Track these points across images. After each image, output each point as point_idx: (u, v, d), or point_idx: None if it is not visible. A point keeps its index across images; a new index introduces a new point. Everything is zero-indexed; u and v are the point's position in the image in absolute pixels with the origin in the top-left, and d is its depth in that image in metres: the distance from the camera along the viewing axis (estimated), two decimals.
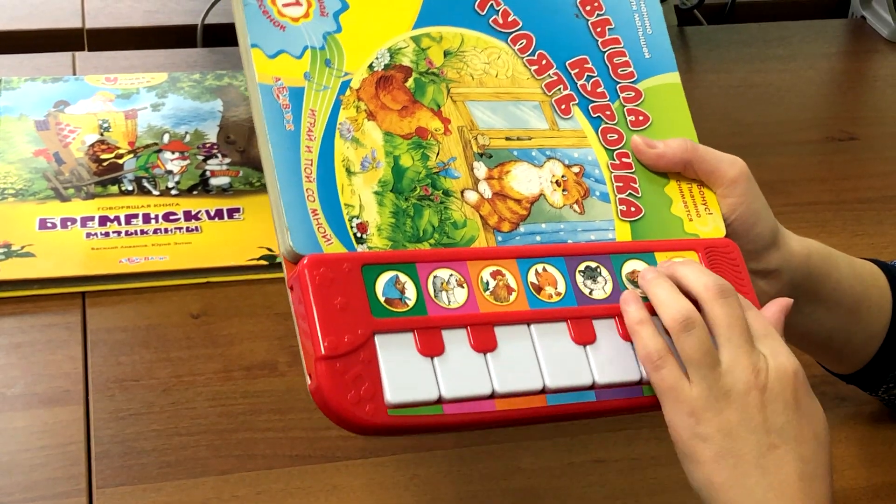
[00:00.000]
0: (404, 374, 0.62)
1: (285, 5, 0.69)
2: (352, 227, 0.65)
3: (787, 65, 1.43)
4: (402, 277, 0.64)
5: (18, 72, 1.21)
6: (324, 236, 0.64)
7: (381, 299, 0.63)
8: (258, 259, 0.98)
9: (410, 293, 0.64)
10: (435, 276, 0.65)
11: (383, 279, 0.64)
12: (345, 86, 0.69)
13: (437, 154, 0.69)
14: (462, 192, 0.69)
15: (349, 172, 0.67)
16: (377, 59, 0.70)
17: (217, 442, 0.83)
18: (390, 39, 0.71)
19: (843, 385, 0.89)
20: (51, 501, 0.77)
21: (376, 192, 0.67)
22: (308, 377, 0.62)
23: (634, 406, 0.67)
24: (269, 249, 0.99)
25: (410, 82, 0.71)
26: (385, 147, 0.68)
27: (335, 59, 0.69)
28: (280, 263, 0.97)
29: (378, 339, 0.62)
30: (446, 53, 0.72)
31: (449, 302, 0.65)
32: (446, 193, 0.68)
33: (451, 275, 0.65)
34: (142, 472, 0.80)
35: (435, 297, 0.64)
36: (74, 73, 1.23)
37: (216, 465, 0.81)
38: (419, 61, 0.71)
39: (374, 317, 0.62)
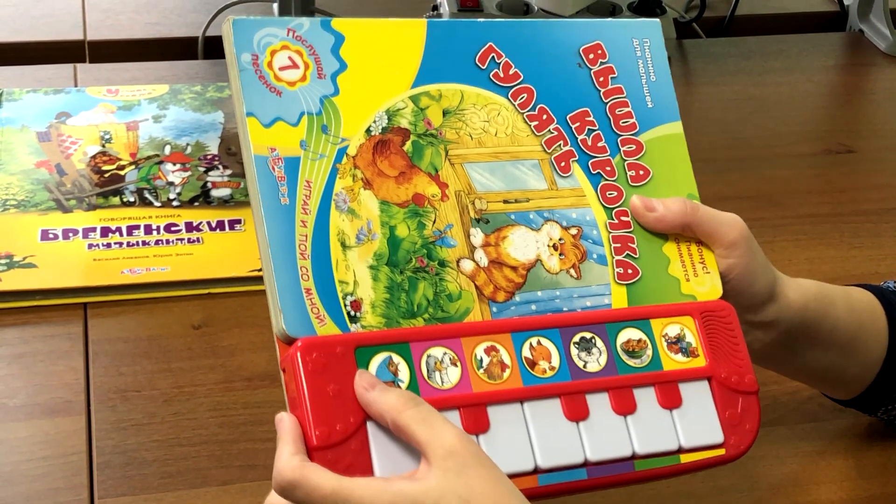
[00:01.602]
0: (395, 463, 0.62)
1: (282, 69, 0.67)
2: (345, 306, 0.65)
3: (785, 78, 1.43)
4: (396, 358, 0.64)
5: (20, 83, 1.22)
6: (317, 317, 0.64)
7: None
8: (259, 270, 0.98)
9: (403, 375, 0.64)
10: (429, 356, 0.65)
11: (376, 361, 0.64)
12: (341, 153, 0.67)
13: (434, 222, 0.69)
14: (458, 262, 0.68)
15: (344, 247, 0.66)
16: (375, 122, 0.69)
17: (218, 452, 0.83)
18: (389, 100, 0.70)
19: (811, 402, 0.90)
20: None
21: (371, 267, 0.66)
22: None
23: (625, 481, 0.68)
24: None
25: (408, 145, 0.69)
26: (381, 217, 0.67)
27: (332, 125, 0.68)
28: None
29: (370, 427, 0.62)
30: (445, 113, 0.71)
31: (442, 382, 0.65)
32: (441, 264, 0.68)
33: (444, 353, 0.65)
34: (143, 483, 0.80)
35: (428, 377, 0.64)
36: (76, 85, 1.24)
37: (217, 475, 0.81)
38: (418, 122, 0.70)
39: None
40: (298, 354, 0.62)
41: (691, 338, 0.71)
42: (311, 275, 0.64)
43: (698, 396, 0.70)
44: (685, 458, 0.69)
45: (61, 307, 0.94)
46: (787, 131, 1.32)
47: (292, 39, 0.68)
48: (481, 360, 0.66)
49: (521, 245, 0.70)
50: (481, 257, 0.69)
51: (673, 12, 1.51)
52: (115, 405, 0.86)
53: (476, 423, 0.64)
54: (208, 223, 1.03)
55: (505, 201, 0.71)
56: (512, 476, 0.63)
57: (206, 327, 0.94)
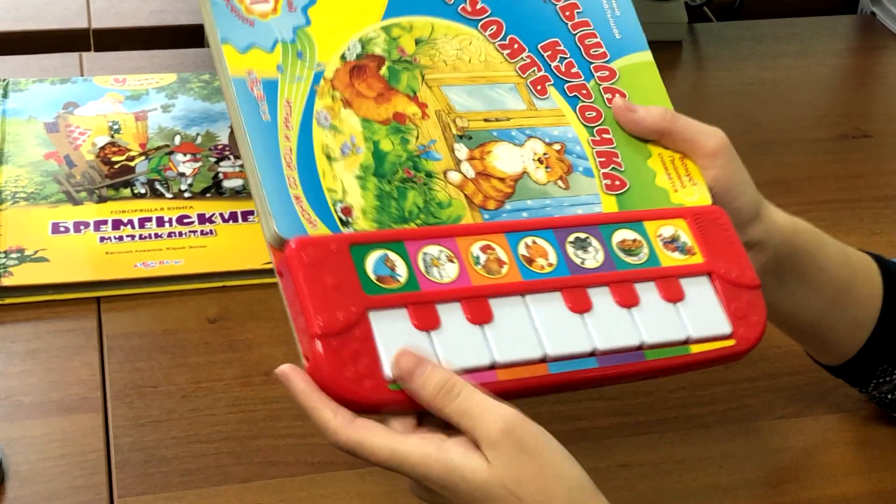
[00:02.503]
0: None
1: (253, 2, 0.69)
2: (336, 211, 0.65)
3: (798, 61, 1.42)
4: (392, 255, 0.64)
5: (25, 73, 1.20)
6: (308, 221, 0.64)
7: (373, 277, 0.63)
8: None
9: (401, 270, 0.64)
10: (425, 253, 0.65)
11: (372, 257, 0.64)
12: (318, 76, 0.69)
13: (417, 138, 0.69)
14: (445, 174, 0.69)
15: (329, 158, 0.66)
16: (349, 49, 0.70)
17: (238, 449, 0.82)
18: (360, 30, 0.71)
19: (836, 392, 0.89)
20: None
21: (358, 177, 0.67)
22: (304, 360, 0.62)
23: (638, 371, 0.67)
24: None
25: (384, 70, 0.71)
26: (364, 133, 0.68)
27: (307, 51, 0.69)
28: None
29: (372, 315, 0.62)
30: (418, 41, 0.72)
31: (441, 276, 0.65)
32: (429, 175, 0.68)
33: (440, 251, 0.65)
34: (163, 481, 0.79)
35: (426, 272, 0.64)
36: (82, 74, 1.22)
37: (238, 472, 0.80)
38: (391, 50, 0.71)
39: (366, 294, 0.62)
40: (294, 251, 0.62)
41: (686, 238, 0.71)
42: (299, 183, 0.65)
43: (700, 290, 0.70)
44: (695, 349, 0.68)
45: (74, 302, 0.93)
46: (801, 116, 1.31)
47: None
48: (478, 258, 0.66)
49: (507, 158, 0.71)
50: (468, 170, 0.69)
51: None
52: (132, 401, 0.85)
53: (479, 315, 0.64)
54: (221, 215, 1.02)
55: (486, 120, 0.72)
56: (522, 364, 0.63)
57: (222, 321, 0.93)
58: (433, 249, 0.65)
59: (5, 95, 1.14)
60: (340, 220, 0.65)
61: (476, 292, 0.65)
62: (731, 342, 0.69)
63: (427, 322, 0.63)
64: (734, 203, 0.74)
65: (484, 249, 0.66)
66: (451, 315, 0.64)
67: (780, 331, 0.83)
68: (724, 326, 0.69)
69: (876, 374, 0.83)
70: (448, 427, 0.62)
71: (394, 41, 0.72)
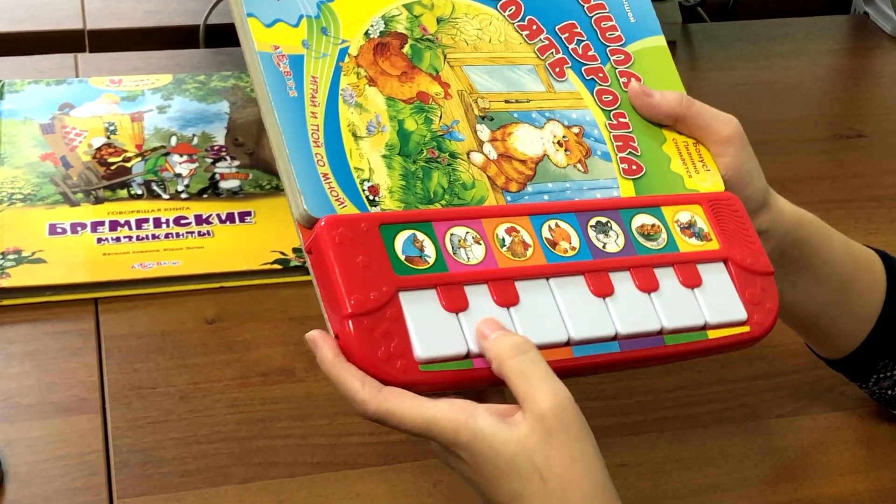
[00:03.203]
0: (432, 330, 0.62)
1: None
2: (363, 190, 0.65)
3: (792, 62, 1.42)
4: (420, 236, 0.65)
5: (20, 74, 1.20)
6: (337, 199, 0.64)
7: (402, 257, 0.63)
8: (272, 263, 0.97)
9: (429, 251, 0.64)
10: (452, 234, 0.65)
11: (401, 238, 0.64)
12: (343, 53, 0.69)
13: (440, 118, 0.70)
14: (468, 154, 0.69)
15: (356, 137, 0.67)
16: (372, 26, 0.70)
17: (237, 450, 0.82)
18: (383, 7, 0.71)
19: (834, 390, 0.89)
20: None
21: (384, 156, 0.67)
22: (334, 338, 0.62)
23: (658, 356, 0.68)
24: (283, 253, 0.98)
25: (407, 48, 0.71)
26: (388, 111, 0.68)
27: (331, 27, 0.69)
28: (294, 268, 0.97)
29: (402, 296, 0.62)
30: (439, 20, 0.73)
31: (468, 258, 0.65)
32: (452, 156, 0.69)
33: (467, 232, 0.66)
34: (163, 482, 0.78)
35: (454, 254, 0.65)
36: (77, 75, 1.22)
37: (237, 473, 0.80)
38: (413, 28, 0.72)
39: (396, 274, 0.63)
40: (324, 230, 0.62)
41: (702, 224, 0.72)
42: (327, 161, 0.65)
43: (717, 276, 0.71)
44: (712, 335, 0.69)
45: (72, 303, 0.93)
46: (796, 116, 1.31)
47: None
48: (503, 240, 0.66)
49: (527, 140, 0.71)
50: (490, 151, 0.70)
51: None
52: (130, 402, 0.85)
53: (506, 297, 0.65)
54: (218, 216, 1.02)
55: (506, 101, 0.72)
56: (547, 347, 0.64)
57: (219, 322, 0.92)
58: (460, 231, 0.66)
59: (1, 97, 1.14)
60: (368, 199, 0.65)
61: (502, 274, 0.65)
62: (746, 328, 0.70)
63: (456, 304, 0.64)
64: (744, 191, 0.74)
65: (509, 232, 0.67)
66: (479, 297, 0.64)
67: (778, 329, 0.82)
68: (740, 312, 0.70)
69: (877, 370, 0.83)
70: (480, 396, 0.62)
71: (416, 19, 0.72)
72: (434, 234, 0.65)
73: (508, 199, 0.69)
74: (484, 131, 0.70)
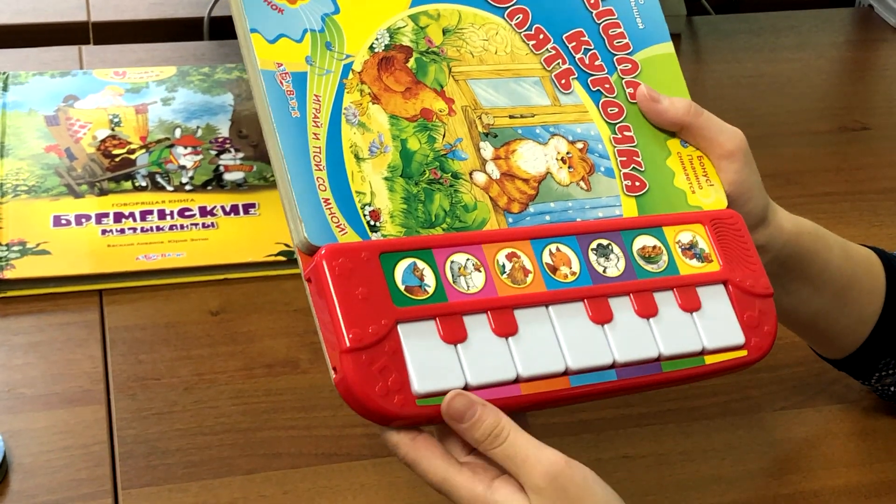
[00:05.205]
0: (430, 363, 0.62)
1: None
2: (364, 216, 0.64)
3: (797, 54, 1.42)
4: (420, 264, 0.64)
5: (25, 66, 1.20)
6: (338, 226, 0.64)
7: (402, 287, 0.63)
8: (276, 255, 0.97)
9: (429, 280, 0.64)
10: (452, 262, 0.65)
11: (402, 267, 0.63)
12: (347, 69, 0.68)
13: (444, 136, 0.69)
14: (470, 174, 0.69)
15: (358, 158, 0.66)
16: (377, 39, 0.69)
17: (241, 441, 0.82)
18: (388, 19, 0.70)
19: (837, 383, 0.89)
20: (77, 503, 0.76)
21: (386, 178, 0.66)
22: (332, 371, 0.61)
23: (654, 382, 0.68)
24: (286, 245, 0.98)
25: (412, 62, 0.70)
26: (391, 130, 0.68)
27: (335, 42, 0.68)
28: (297, 259, 0.97)
29: (401, 329, 0.62)
30: (445, 31, 0.72)
31: (468, 287, 0.64)
32: (455, 176, 0.68)
33: (467, 259, 0.65)
34: (167, 473, 0.79)
35: (454, 282, 0.64)
36: (82, 68, 1.22)
37: (242, 464, 0.80)
38: (419, 40, 0.71)
39: (395, 305, 0.62)
40: (324, 260, 0.61)
41: (704, 244, 0.71)
42: (329, 185, 0.64)
43: (716, 299, 0.70)
44: (709, 360, 0.69)
45: (76, 294, 0.93)
46: (801, 108, 1.31)
47: None
48: (504, 266, 0.66)
49: (531, 158, 0.71)
50: (493, 170, 0.69)
51: None
52: (135, 394, 0.85)
53: (505, 327, 0.64)
54: (222, 207, 1.02)
55: (511, 116, 0.71)
56: (544, 377, 0.64)
57: (224, 313, 0.93)
58: (460, 258, 0.65)
59: (5, 89, 1.14)
60: (369, 224, 0.64)
61: (502, 303, 0.64)
62: (743, 353, 0.69)
63: (455, 335, 0.63)
64: (744, 206, 0.74)
65: (509, 257, 0.66)
66: (478, 327, 0.64)
67: (781, 324, 0.83)
68: (738, 337, 0.69)
69: (878, 368, 0.83)
70: None
71: (421, 31, 0.71)
72: (434, 261, 0.64)
73: (510, 220, 0.68)
74: (487, 149, 0.69)
